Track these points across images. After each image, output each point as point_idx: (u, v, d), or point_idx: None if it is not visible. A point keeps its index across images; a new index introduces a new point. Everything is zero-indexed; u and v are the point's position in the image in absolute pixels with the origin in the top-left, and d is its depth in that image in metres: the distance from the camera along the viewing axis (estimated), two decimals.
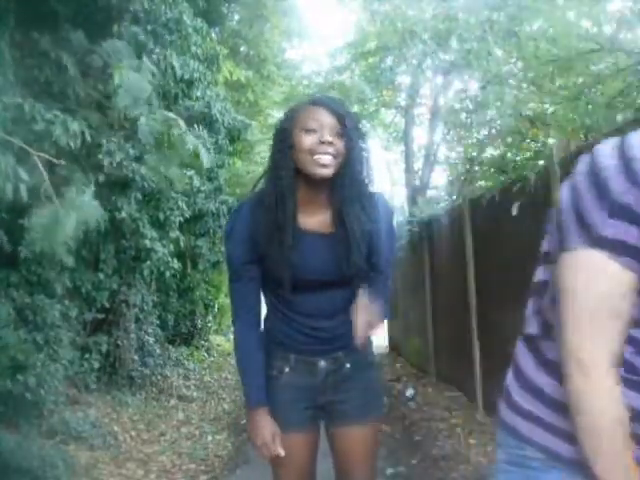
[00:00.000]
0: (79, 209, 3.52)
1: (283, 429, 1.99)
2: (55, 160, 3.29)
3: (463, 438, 5.15)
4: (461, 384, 6.59)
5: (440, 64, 10.92)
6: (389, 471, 4.54)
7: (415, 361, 8.86)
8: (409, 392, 7.29)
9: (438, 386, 7.30)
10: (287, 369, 2.01)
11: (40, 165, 3.15)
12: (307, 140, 1.86)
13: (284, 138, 1.92)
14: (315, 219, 1.95)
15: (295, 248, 1.89)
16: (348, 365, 2.01)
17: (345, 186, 1.89)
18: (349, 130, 1.89)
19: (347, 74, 12.18)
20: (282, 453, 1.95)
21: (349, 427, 2.04)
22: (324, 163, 1.85)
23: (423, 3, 11.34)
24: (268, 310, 2.10)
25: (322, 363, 1.99)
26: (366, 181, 1.95)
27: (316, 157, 1.85)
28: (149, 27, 5.46)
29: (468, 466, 4.46)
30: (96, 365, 6.34)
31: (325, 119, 1.87)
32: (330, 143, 1.84)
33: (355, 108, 13.79)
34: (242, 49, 9.23)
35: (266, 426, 1.96)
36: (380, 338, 11.41)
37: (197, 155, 4.87)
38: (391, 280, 2.15)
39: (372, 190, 1.99)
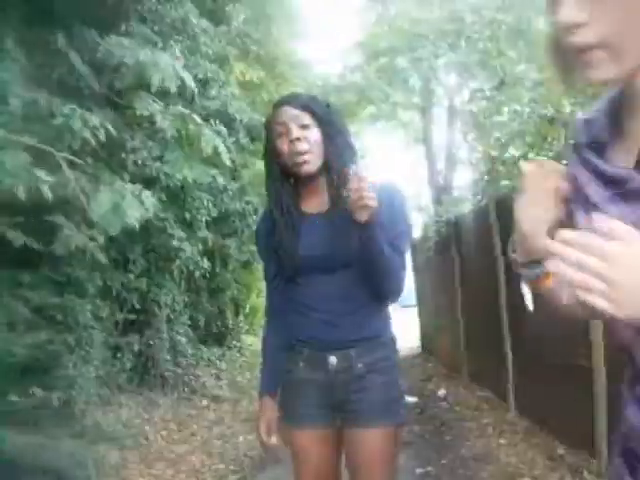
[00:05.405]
0: (136, 197, 3.59)
1: (297, 424, 2.04)
2: (77, 160, 3.30)
3: (494, 438, 5.09)
4: (493, 384, 6.51)
5: (452, 64, 10.78)
6: (418, 471, 4.50)
7: (447, 361, 8.77)
8: (441, 392, 7.24)
9: (470, 386, 7.22)
10: (301, 364, 2.04)
11: (64, 165, 3.15)
12: (282, 145, 1.94)
13: (267, 150, 2.04)
14: (316, 202, 2.02)
15: (296, 229, 1.99)
16: (360, 365, 1.97)
17: (333, 167, 1.95)
18: (319, 115, 1.95)
19: (359, 74, 12.02)
20: (274, 442, 2.07)
21: (361, 430, 1.98)
22: (300, 161, 1.92)
23: (429, 4, 11.22)
24: (289, 307, 2.12)
25: (332, 359, 1.97)
26: (350, 157, 1.96)
27: (293, 159, 1.93)
28: (155, 27, 5.44)
29: (497, 466, 4.40)
30: (128, 365, 6.38)
31: (288, 117, 1.94)
32: (299, 139, 1.91)
33: (371, 109, 13.69)
34: (252, 49, 9.12)
35: (263, 415, 2.09)
36: (412, 339, 11.32)
37: (216, 150, 4.84)
38: (403, 256, 2.05)
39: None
